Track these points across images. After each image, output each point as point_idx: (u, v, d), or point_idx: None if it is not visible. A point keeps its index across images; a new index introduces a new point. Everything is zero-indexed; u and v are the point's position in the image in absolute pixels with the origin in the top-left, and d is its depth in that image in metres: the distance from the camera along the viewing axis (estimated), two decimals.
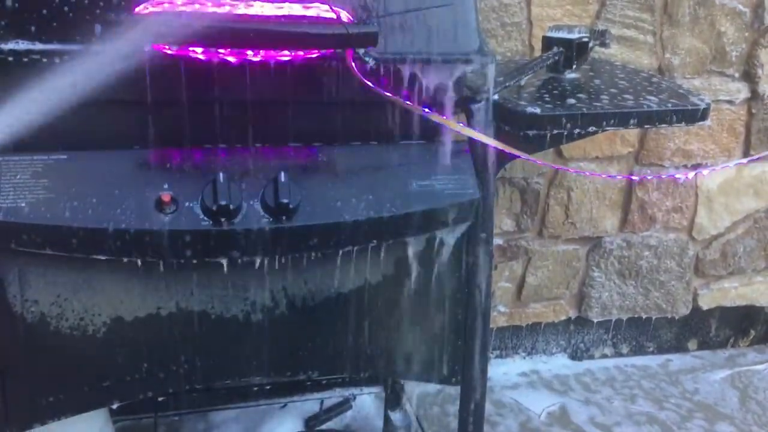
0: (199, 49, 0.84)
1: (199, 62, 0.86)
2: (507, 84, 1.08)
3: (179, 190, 0.89)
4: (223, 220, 0.88)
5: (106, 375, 0.96)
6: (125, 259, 0.88)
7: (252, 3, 0.86)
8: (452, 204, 0.99)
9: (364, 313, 1.04)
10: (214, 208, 0.87)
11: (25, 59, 0.80)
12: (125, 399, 0.99)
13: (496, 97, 1.03)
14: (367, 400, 1.71)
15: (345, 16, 0.88)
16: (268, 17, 0.86)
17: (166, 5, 0.83)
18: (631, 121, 1.07)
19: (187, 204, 0.88)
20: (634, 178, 1.82)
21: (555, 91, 1.12)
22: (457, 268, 1.06)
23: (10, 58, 0.80)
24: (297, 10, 0.87)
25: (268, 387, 1.64)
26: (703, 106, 1.12)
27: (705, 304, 2.04)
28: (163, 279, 0.93)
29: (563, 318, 1.95)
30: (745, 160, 1.81)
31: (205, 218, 0.88)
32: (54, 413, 0.94)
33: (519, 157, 0.99)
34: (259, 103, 0.91)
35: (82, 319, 0.92)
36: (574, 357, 2.01)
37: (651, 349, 2.07)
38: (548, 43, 1.24)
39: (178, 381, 0.99)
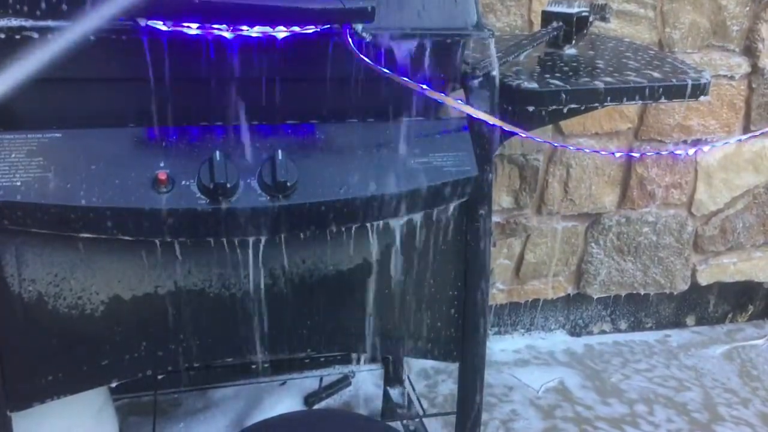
0: (194, 25, 0.83)
1: (194, 38, 0.85)
2: (506, 59, 1.07)
3: (175, 169, 0.88)
4: (220, 198, 0.87)
5: (105, 354, 0.96)
6: (122, 238, 0.87)
7: None
8: (451, 181, 0.98)
9: (362, 290, 1.04)
10: (211, 186, 0.86)
11: (17, 36, 0.79)
12: (124, 377, 0.99)
13: (494, 73, 1.02)
14: (367, 377, 1.72)
15: None
16: None
17: None
18: (631, 97, 1.06)
19: (183, 182, 0.87)
20: (634, 154, 1.81)
21: (554, 67, 1.11)
22: (455, 245, 1.05)
23: (2, 35, 0.79)
24: None
25: (266, 364, 1.65)
26: (703, 81, 1.11)
27: (704, 279, 2.04)
28: (161, 257, 0.93)
29: (562, 294, 1.95)
30: (744, 137, 1.80)
31: (202, 197, 0.87)
32: (53, 392, 0.94)
33: (517, 134, 0.98)
34: (256, 80, 0.90)
35: (80, 298, 0.92)
36: (572, 333, 2.02)
37: (649, 324, 2.08)
38: (548, 17, 1.23)
39: (177, 359, 0.99)
